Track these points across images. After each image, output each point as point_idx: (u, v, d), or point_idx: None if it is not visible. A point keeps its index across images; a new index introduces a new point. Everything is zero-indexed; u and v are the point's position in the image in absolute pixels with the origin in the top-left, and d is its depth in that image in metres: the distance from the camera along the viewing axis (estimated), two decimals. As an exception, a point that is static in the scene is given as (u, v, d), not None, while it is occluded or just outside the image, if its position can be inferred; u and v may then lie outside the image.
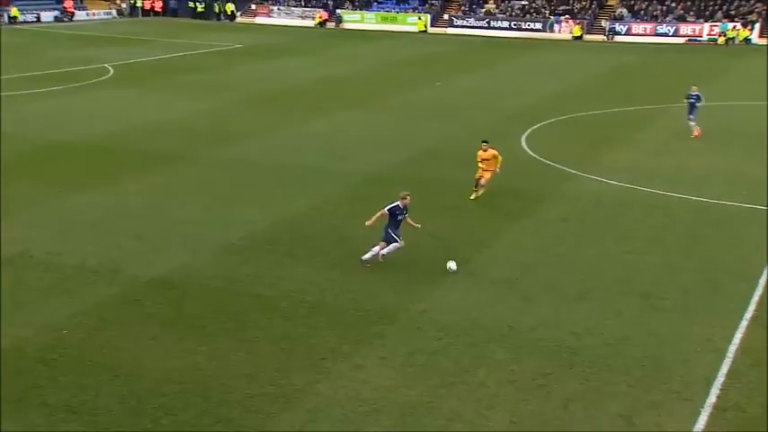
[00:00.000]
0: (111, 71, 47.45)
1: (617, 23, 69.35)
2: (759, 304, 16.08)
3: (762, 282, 17.13)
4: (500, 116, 34.97)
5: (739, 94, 39.96)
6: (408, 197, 17.91)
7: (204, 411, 12.46)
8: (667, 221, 21.23)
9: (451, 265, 17.70)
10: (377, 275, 17.66)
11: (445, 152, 28.76)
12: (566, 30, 70.13)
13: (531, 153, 28.44)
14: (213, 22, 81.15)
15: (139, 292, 16.76)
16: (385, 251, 17.84)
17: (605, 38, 68.43)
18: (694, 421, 12.13)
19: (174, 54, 56.06)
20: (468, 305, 16.25)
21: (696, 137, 30.00)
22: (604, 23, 69.76)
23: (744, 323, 15.27)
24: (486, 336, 14.91)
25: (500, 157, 22.52)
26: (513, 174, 24.00)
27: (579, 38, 68.83)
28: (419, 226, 18.17)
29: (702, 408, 12.47)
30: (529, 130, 31.81)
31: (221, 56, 55.71)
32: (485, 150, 22.48)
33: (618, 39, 67.88)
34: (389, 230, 17.73)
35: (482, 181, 22.45)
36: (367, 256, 17.83)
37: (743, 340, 14.61)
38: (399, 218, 17.77)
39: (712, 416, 12.27)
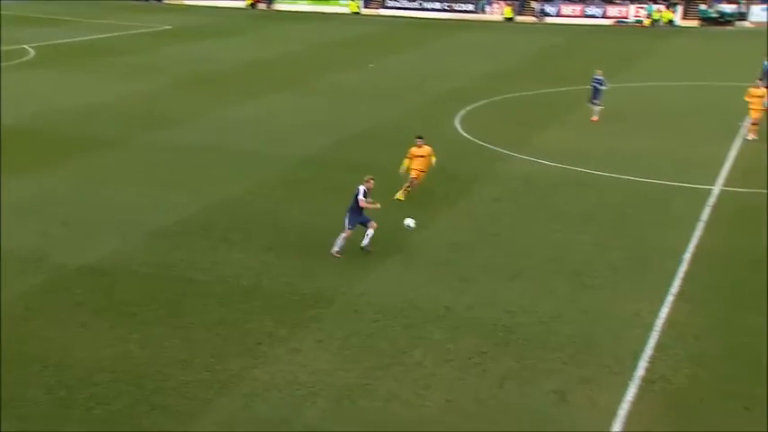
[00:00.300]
0: (33, 52, 45.87)
1: (547, 5, 70.26)
2: (684, 279, 16.60)
3: (686, 257, 17.68)
4: (433, 97, 35.11)
5: (664, 74, 40.98)
6: (372, 181, 17.78)
7: (138, 399, 12.25)
8: (597, 201, 21.69)
9: (409, 222, 17.80)
10: (313, 259, 17.59)
11: (379, 135, 28.76)
12: (497, 11, 70.69)
13: (465, 134, 28.66)
14: (140, 3, 79.10)
15: (68, 280, 16.34)
16: (339, 243, 17.64)
17: (536, 19, 69.27)
18: (624, 394, 12.48)
19: (100, 35, 54.51)
20: (405, 287, 16.34)
21: (595, 121, 29.91)
22: (535, 5, 70.57)
23: (670, 298, 15.74)
24: (422, 316, 15.02)
25: (434, 157, 21.12)
26: (447, 155, 24.12)
27: (510, 19, 69.48)
28: (378, 206, 17.99)
29: (631, 381, 12.84)
30: (462, 112, 32.03)
31: (150, 37, 54.43)
32: (419, 147, 20.93)
33: (548, 20, 68.80)
34: (353, 216, 17.52)
35: (415, 182, 20.96)
36: (365, 242, 17.55)
37: (669, 314, 15.07)
38: None
39: (641, 388, 12.65)
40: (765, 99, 27.56)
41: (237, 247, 18.26)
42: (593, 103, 30.23)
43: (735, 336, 14.34)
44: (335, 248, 17.62)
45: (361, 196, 17.47)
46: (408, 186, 21.08)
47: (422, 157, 20.93)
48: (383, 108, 32.96)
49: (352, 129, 29.45)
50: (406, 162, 20.99)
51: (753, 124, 27.71)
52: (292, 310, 15.26)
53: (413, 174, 20.98)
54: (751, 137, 27.48)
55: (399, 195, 20.85)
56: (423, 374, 13.06)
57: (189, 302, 15.50)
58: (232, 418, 11.90)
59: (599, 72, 30.35)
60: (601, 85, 30.18)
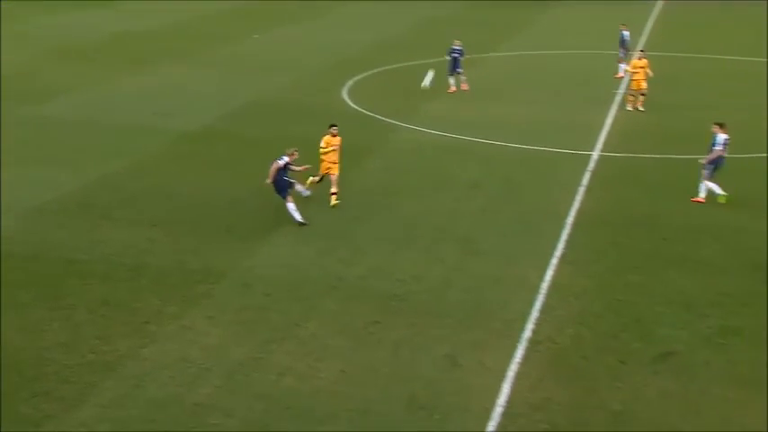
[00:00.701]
0: None
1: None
2: (567, 243, 17.16)
3: (569, 221, 18.27)
4: (320, 69, 34.79)
5: (545, 43, 41.98)
6: (296, 153, 17.67)
7: (18, 386, 11.68)
8: (484, 168, 22.09)
9: (429, 77, 17.97)
10: (201, 234, 17.19)
11: (268, 107, 28.30)
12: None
13: (353, 105, 28.57)
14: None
15: (-63, 265, 15.34)
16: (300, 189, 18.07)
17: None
18: (512, 355, 12.82)
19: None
20: (298, 259, 16.20)
21: (460, 90, 30.04)
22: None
23: (554, 261, 16.25)
24: (315, 288, 14.94)
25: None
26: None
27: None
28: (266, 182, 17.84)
29: (519, 342, 13.20)
30: (350, 83, 31.90)
31: (15, 5, 51.37)
32: (334, 135, 18.76)
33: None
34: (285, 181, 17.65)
35: (334, 178, 18.83)
36: (297, 217, 17.56)
37: (554, 277, 15.56)
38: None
39: (528, 349, 13.03)
40: (636, 69, 27.93)
41: (121, 224, 17.61)
42: (456, 74, 30.18)
43: (613, 294, 14.95)
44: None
45: (280, 162, 17.39)
46: (332, 189, 18.86)
47: (336, 148, 18.84)
48: (270, 80, 32.41)
49: (239, 101, 28.83)
50: (322, 155, 18.74)
51: (631, 95, 28.06)
52: (181, 286, 14.86)
53: (326, 167, 18.82)
54: (630, 107, 28.00)
55: (333, 202, 18.75)
56: (316, 346, 13.01)
57: (70, 283, 14.86)
58: (119, 399, 11.51)
59: (457, 42, 30.43)
60: (461, 55, 30.23)
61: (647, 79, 27.87)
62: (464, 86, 30.39)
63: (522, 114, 27.62)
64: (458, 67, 30.30)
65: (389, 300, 14.60)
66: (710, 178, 19.18)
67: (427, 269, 15.88)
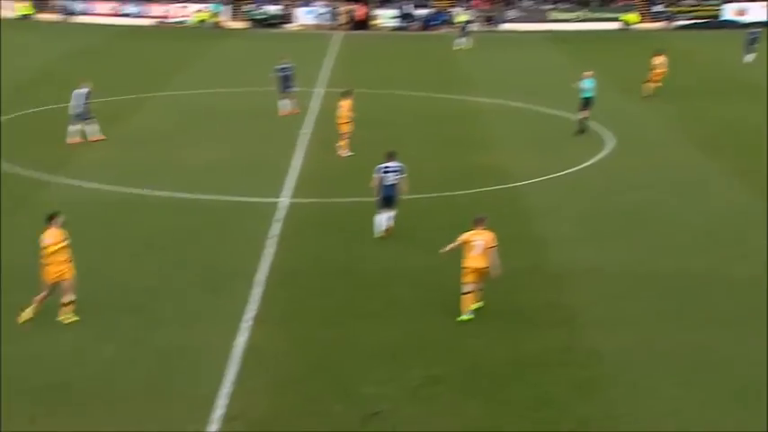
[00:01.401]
0: None
1: (75, 2, 69.30)
2: (260, 301, 17.32)
3: (261, 278, 18.48)
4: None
5: (218, 79, 42.47)
6: None
7: None
8: (156, 224, 21.67)
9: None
10: None
11: None
12: (8, 8, 67.18)
13: (-12, 157, 26.64)
14: None
15: None
16: None
17: (61, 17, 67.83)
18: (204, 439, 12.57)
19: None
20: None
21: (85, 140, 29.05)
22: (59, 2, 69.06)
23: (247, 323, 16.29)
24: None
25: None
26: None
27: (28, 17, 66.98)
28: None
29: (209, 423, 12.97)
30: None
31: None
32: (59, 228, 16.05)
33: (76, 19, 67.92)
34: None
35: (68, 284, 15.95)
36: None
37: (248, 342, 15.59)
38: None
39: (221, 430, 12.83)
40: (348, 111, 28.33)
41: None
42: (87, 121, 28.99)
43: (313, 354, 15.32)
44: None
45: None
46: (65, 304, 16.01)
47: (63, 247, 15.97)
48: None
49: None
50: (48, 256, 15.91)
51: (343, 138, 28.14)
52: None
53: (52, 275, 15.83)
54: (343, 153, 28.24)
55: (70, 317, 16.01)
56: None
57: None
58: None
59: (85, 84, 29.07)
60: (87, 100, 28.95)
61: (352, 120, 28.49)
62: (75, 139, 29.02)
63: (197, 161, 27.57)
64: (86, 116, 28.96)
65: (46, 391, 13.68)
66: (378, 211, 20.65)
67: (94, 349, 15.13)
